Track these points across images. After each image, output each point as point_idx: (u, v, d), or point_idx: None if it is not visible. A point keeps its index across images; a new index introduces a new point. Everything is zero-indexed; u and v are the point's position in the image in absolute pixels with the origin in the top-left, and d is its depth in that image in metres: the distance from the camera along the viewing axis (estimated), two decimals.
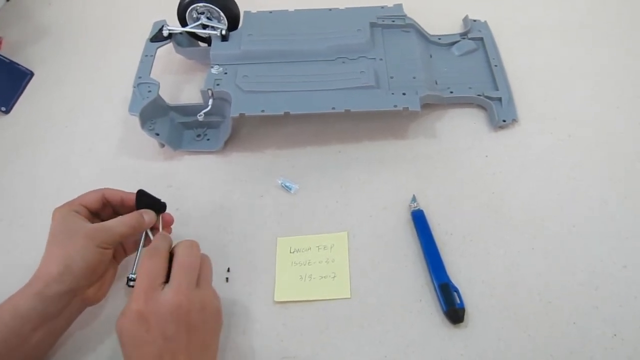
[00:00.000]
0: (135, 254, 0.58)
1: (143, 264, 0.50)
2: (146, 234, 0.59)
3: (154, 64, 0.74)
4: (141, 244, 0.58)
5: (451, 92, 0.74)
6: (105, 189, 0.60)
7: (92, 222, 0.57)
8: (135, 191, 0.59)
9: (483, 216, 0.64)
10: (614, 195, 0.65)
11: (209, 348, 0.50)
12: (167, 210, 0.61)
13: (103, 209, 0.59)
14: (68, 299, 0.53)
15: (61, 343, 0.58)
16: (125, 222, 0.56)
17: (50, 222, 0.55)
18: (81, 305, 0.56)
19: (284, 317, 0.59)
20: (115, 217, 0.60)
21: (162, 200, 0.60)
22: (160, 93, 0.71)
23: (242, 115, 0.67)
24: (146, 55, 0.75)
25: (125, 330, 0.47)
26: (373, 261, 0.62)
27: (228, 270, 0.63)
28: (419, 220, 0.63)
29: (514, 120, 0.72)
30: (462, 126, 0.73)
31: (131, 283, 0.56)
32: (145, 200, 0.59)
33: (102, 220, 0.60)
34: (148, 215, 0.58)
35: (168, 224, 0.62)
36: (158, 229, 0.59)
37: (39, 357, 0.56)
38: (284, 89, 0.69)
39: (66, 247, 0.52)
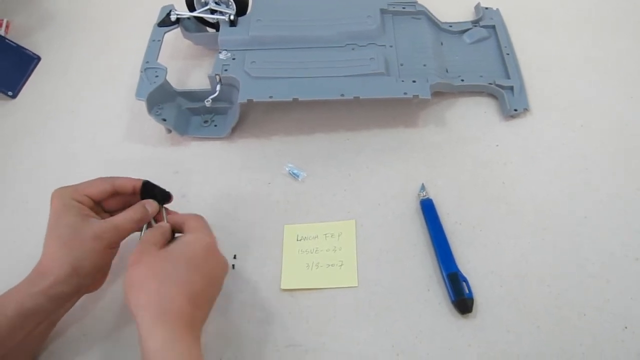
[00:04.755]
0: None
1: None
2: (149, 222, 0.58)
3: (161, 49, 0.74)
4: (142, 234, 0.57)
5: (462, 80, 0.73)
6: (114, 178, 0.58)
7: (95, 211, 0.56)
8: (143, 178, 0.59)
9: (493, 206, 0.63)
10: (626, 187, 0.63)
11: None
12: (174, 197, 0.60)
13: (110, 198, 0.58)
14: (73, 296, 0.54)
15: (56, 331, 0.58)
16: (131, 218, 0.55)
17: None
18: (80, 295, 0.56)
19: (290, 305, 0.59)
20: (117, 201, 0.59)
21: (167, 190, 0.60)
22: (168, 78, 0.71)
23: (250, 101, 0.66)
24: (153, 40, 0.74)
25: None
26: (381, 250, 0.61)
27: (234, 257, 0.62)
28: (428, 209, 0.62)
29: (526, 110, 0.71)
30: (473, 115, 0.72)
31: None
32: (150, 190, 0.58)
33: (104, 208, 0.59)
34: (151, 205, 0.57)
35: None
36: (162, 219, 0.58)
37: (38, 345, 0.56)
38: (293, 75, 0.68)
39: (73, 248, 0.51)
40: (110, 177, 0.58)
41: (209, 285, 0.50)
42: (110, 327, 0.59)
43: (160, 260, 0.49)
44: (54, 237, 0.52)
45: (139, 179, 0.58)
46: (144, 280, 0.47)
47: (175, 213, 0.60)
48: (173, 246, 0.51)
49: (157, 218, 0.58)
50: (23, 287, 0.51)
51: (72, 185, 0.56)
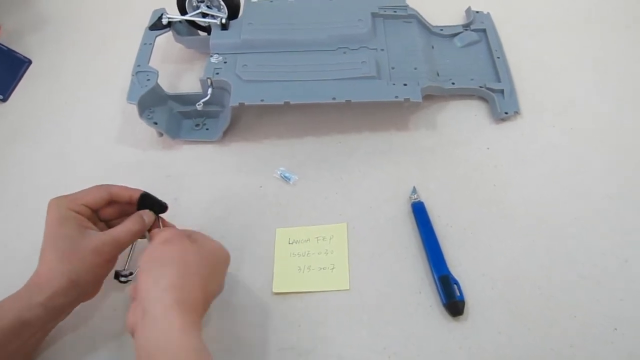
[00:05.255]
0: (129, 251, 0.58)
1: None
2: None
3: (153, 52, 0.74)
4: (135, 243, 0.58)
5: (453, 84, 0.73)
6: (111, 186, 0.57)
7: (92, 221, 0.55)
8: (137, 184, 0.59)
9: (484, 209, 0.64)
10: (616, 189, 0.64)
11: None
12: (167, 201, 0.60)
13: (106, 206, 0.58)
14: (70, 307, 0.53)
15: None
16: (130, 230, 0.55)
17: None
18: (76, 305, 0.55)
19: (282, 309, 0.58)
20: (113, 210, 0.58)
21: (164, 202, 0.60)
22: (159, 82, 0.71)
23: (241, 105, 0.66)
24: (145, 44, 0.74)
25: None
26: (373, 253, 0.61)
27: None
28: (419, 212, 0.63)
29: (516, 113, 0.71)
30: (464, 118, 0.73)
31: (122, 279, 0.56)
32: (147, 202, 0.58)
33: (99, 217, 0.58)
34: (147, 216, 0.57)
35: None
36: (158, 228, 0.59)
37: (32, 351, 0.55)
38: (284, 79, 0.69)
39: (72, 262, 0.51)
40: (107, 185, 0.57)
41: (217, 286, 0.53)
42: (105, 334, 0.59)
43: (192, 250, 0.50)
44: (52, 250, 0.51)
45: (136, 189, 0.58)
46: (172, 261, 0.48)
47: (170, 223, 0.60)
48: (200, 244, 0.52)
49: (152, 228, 0.58)
50: (20, 297, 0.50)
51: (69, 195, 0.55)
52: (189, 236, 0.53)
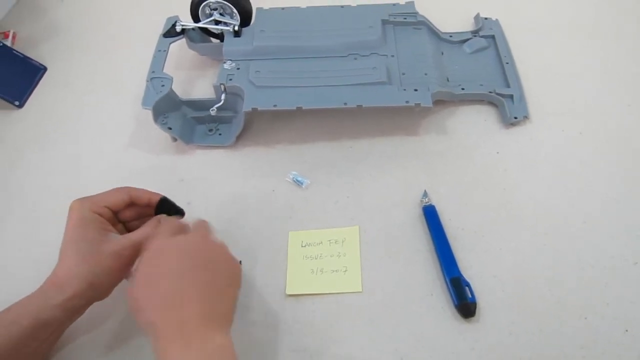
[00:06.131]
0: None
1: None
2: None
3: (167, 59, 0.75)
4: None
5: (462, 89, 0.74)
6: (131, 189, 0.58)
7: (112, 222, 0.56)
8: (151, 189, 0.60)
9: (494, 212, 0.64)
10: (625, 192, 0.65)
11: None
12: (180, 205, 0.61)
13: (126, 208, 0.59)
14: (85, 307, 0.54)
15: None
16: (148, 235, 0.55)
17: (63, 215, 0.54)
18: (91, 304, 0.56)
19: (295, 311, 0.59)
20: (132, 212, 0.59)
21: (181, 207, 0.61)
22: (173, 88, 0.72)
23: (254, 110, 0.67)
24: (159, 51, 0.76)
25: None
26: (384, 255, 0.62)
27: (240, 263, 0.62)
28: (431, 215, 0.63)
29: (525, 117, 0.72)
30: (474, 123, 0.73)
31: None
32: (165, 206, 0.59)
33: (118, 218, 0.59)
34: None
35: None
36: None
37: (47, 351, 0.56)
38: (296, 85, 0.70)
39: (91, 265, 0.51)
40: (127, 188, 0.58)
41: (219, 274, 0.51)
42: (119, 333, 0.60)
43: (173, 255, 0.49)
44: (73, 251, 0.52)
45: (155, 193, 0.59)
46: (146, 295, 0.48)
47: None
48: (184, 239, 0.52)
49: None
50: (38, 298, 0.51)
51: (91, 197, 0.56)
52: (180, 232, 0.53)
